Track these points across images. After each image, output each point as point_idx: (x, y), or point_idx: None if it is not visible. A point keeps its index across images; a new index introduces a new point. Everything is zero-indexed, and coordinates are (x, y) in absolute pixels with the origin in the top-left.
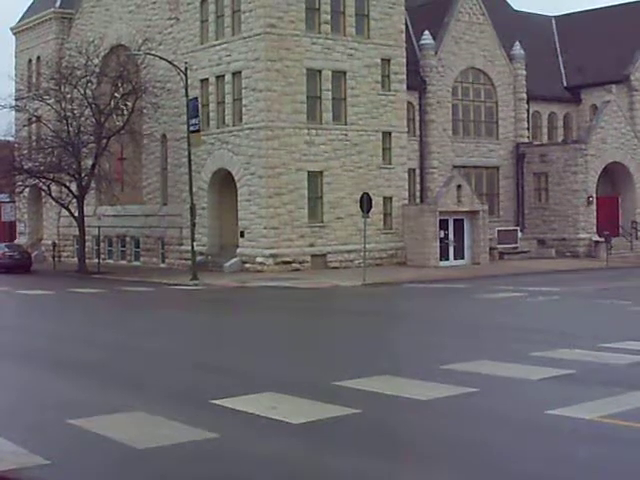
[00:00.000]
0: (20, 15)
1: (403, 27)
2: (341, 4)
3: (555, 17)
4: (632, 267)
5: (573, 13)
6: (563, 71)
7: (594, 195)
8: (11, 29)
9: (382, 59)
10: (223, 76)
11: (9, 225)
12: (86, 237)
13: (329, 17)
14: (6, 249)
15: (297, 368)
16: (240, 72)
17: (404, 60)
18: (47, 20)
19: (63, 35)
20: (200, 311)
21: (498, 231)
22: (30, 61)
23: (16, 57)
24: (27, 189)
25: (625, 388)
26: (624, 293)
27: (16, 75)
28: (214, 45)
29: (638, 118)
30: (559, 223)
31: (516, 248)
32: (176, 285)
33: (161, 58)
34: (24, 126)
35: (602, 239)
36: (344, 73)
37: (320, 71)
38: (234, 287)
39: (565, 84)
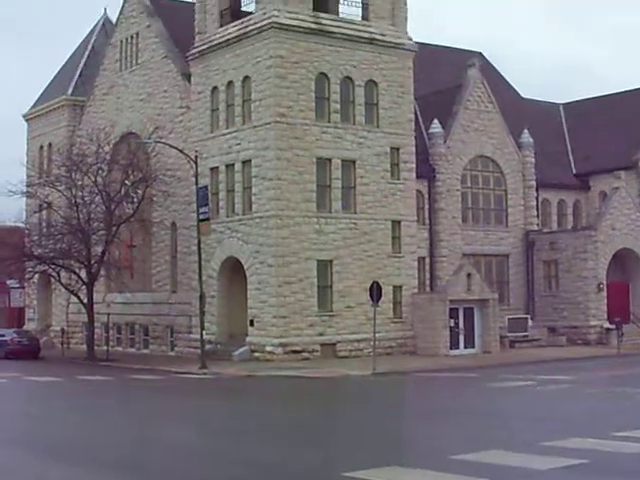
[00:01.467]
0: (32, 102)
1: (412, 116)
2: (350, 93)
3: (563, 104)
4: None
5: (581, 100)
6: (572, 158)
7: (604, 282)
8: (23, 116)
9: (391, 148)
10: (233, 165)
11: (18, 311)
12: (95, 324)
13: (339, 106)
14: (15, 335)
15: (306, 457)
16: (250, 161)
17: (413, 149)
18: (59, 107)
19: (75, 122)
20: (208, 400)
21: (508, 319)
22: (42, 148)
23: (28, 144)
24: (36, 275)
25: (638, 477)
26: (636, 380)
27: (27, 161)
28: (224, 134)
29: None
30: (570, 310)
31: (527, 336)
32: (185, 374)
33: (171, 146)
34: (35, 212)
35: (613, 326)
36: (354, 162)
37: (330, 160)
38: (243, 376)
39: (574, 171)
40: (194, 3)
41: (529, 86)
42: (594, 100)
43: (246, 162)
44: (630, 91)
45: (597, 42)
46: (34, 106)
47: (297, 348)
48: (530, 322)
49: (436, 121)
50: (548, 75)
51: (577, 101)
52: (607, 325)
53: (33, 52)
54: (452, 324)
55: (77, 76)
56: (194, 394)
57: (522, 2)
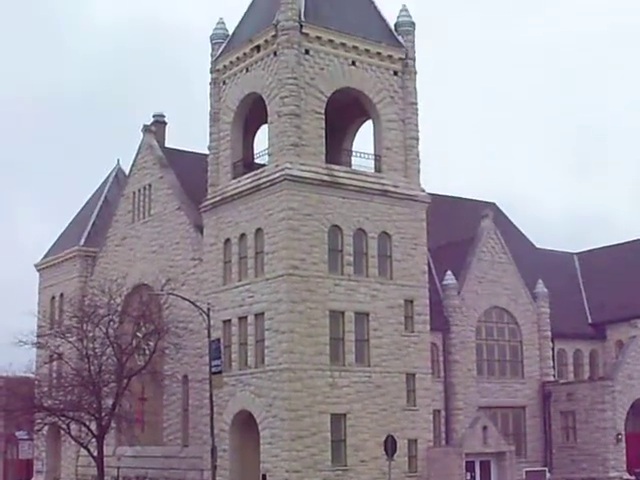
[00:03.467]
0: (44, 252)
1: (426, 268)
2: (364, 246)
3: (577, 254)
4: None
5: (595, 249)
6: (587, 307)
7: (623, 432)
8: (35, 266)
9: (405, 300)
10: (246, 317)
11: (26, 463)
12: (105, 477)
13: (352, 258)
14: None
15: None
16: (263, 313)
17: (427, 301)
18: (71, 258)
19: (86, 273)
20: None
21: (526, 472)
22: (53, 298)
23: (39, 294)
24: (46, 427)
25: None
26: None
27: (39, 312)
28: (237, 286)
29: None
30: (588, 462)
31: None
32: None
33: (184, 298)
34: (45, 363)
35: (633, 477)
36: (367, 314)
37: (343, 312)
38: None
39: (590, 320)
40: (207, 154)
41: (542, 236)
42: (608, 249)
43: (259, 315)
44: None
45: (609, 191)
46: (46, 256)
47: None
48: (548, 474)
49: (449, 272)
50: (561, 225)
51: (591, 250)
52: (627, 476)
53: (45, 202)
54: (468, 478)
55: (89, 227)
56: None
57: (534, 154)
